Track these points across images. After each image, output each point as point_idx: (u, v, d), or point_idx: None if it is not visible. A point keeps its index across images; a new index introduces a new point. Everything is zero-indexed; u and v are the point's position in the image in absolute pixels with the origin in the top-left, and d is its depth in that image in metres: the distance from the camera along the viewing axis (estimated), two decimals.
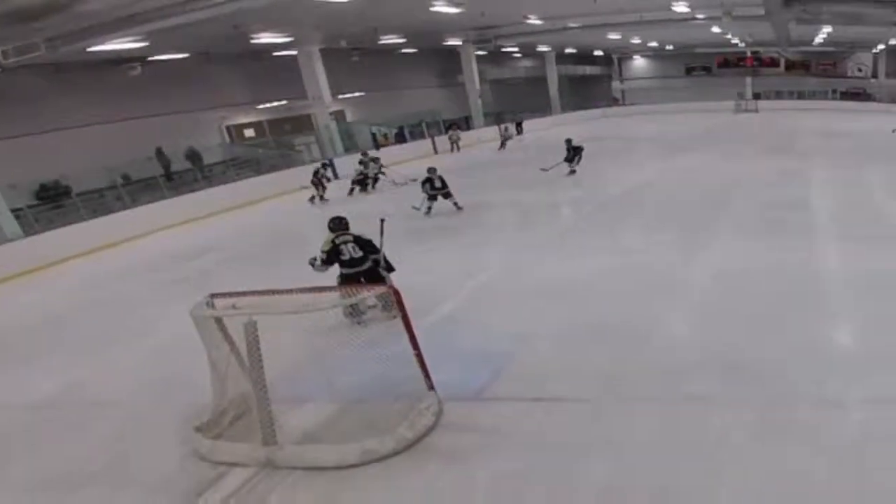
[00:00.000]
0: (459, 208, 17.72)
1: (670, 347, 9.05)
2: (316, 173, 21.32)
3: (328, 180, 21.59)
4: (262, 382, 6.61)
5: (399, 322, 7.06)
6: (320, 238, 10.55)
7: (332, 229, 9.96)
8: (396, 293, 7.05)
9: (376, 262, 9.94)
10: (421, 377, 7.37)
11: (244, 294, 6.86)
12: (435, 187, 17.49)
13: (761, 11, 24.61)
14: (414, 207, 17.60)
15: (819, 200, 18.14)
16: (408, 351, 7.16)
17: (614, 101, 56.56)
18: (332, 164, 22.28)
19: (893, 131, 23.81)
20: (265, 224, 19.42)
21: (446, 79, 41.08)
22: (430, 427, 7.02)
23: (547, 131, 38.46)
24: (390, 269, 10.13)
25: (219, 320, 6.88)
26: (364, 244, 9.87)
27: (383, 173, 22.75)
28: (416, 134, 33.01)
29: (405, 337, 7.02)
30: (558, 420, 7.25)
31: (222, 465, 6.64)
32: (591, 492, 5.88)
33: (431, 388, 7.45)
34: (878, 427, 6.74)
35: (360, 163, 23.04)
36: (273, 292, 6.74)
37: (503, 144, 32.72)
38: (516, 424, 7.17)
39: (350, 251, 9.81)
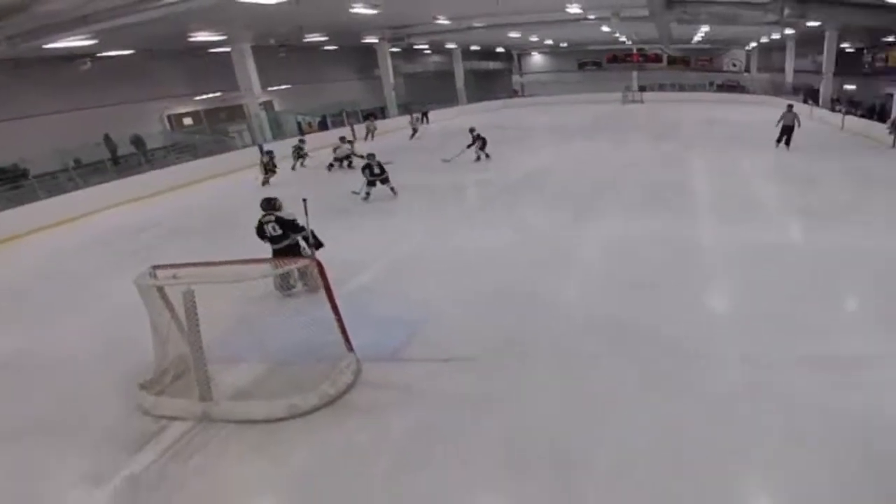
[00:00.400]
0: (395, 193, 18.41)
1: (565, 311, 9.97)
2: (270, 155, 22.44)
3: (274, 166, 22.26)
4: (199, 345, 7.11)
5: (322, 292, 7.74)
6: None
7: (261, 209, 10.74)
8: (319, 265, 7.63)
9: (306, 239, 10.23)
10: (341, 340, 8.03)
11: (183, 265, 7.39)
12: (374, 173, 18.00)
13: (646, 13, 25.77)
14: (354, 192, 18.46)
15: (698, 182, 20.04)
16: (329, 317, 7.80)
17: (514, 93, 59.26)
18: (270, 153, 22.97)
19: (777, 124, 25.12)
20: (203, 203, 20.13)
21: (364, 73, 43.22)
22: (349, 385, 7.73)
23: (452, 120, 40.23)
24: (319, 245, 10.27)
25: (160, 289, 7.42)
26: (285, 224, 10.52)
27: (354, 154, 23.60)
28: (338, 122, 34.36)
29: (327, 305, 7.67)
30: (465, 377, 8.00)
31: (163, 418, 7.28)
32: (495, 441, 6.60)
33: (351, 349, 8.13)
34: (748, 380, 7.69)
35: (335, 149, 24.38)
36: (209, 264, 7.20)
37: (414, 133, 33.83)
38: (427, 382, 7.93)
39: (271, 230, 10.55)
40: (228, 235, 14.86)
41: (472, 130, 25.01)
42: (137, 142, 27.29)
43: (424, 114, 39.78)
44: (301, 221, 10.12)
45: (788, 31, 39.63)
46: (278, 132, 31.26)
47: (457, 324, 9.52)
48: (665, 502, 5.67)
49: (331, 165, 24.21)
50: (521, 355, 8.45)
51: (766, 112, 39.68)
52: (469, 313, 9.91)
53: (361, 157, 20.16)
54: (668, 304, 9.95)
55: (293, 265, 8.46)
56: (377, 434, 6.82)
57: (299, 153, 23.74)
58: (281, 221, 10.49)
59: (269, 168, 22.12)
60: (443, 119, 41.71)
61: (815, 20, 27.31)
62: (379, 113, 38.91)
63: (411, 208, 17.54)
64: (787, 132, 24.63)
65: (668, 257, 12.28)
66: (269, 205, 10.67)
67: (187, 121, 33.99)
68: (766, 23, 27.03)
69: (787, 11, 22.88)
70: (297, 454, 6.55)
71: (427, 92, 46.13)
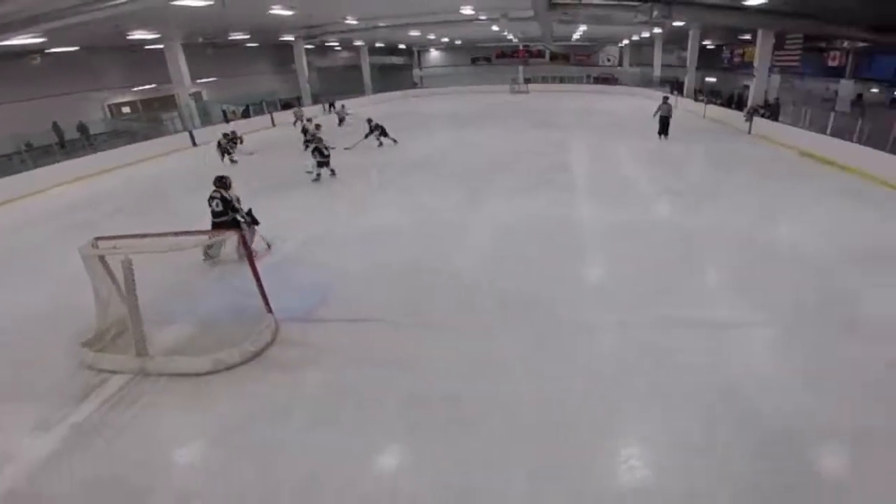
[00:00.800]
0: (334, 174, 18.66)
1: (462, 282, 10.11)
2: (228, 137, 22.76)
3: (231, 147, 22.56)
4: (136, 307, 7.28)
5: (245, 262, 8.13)
6: (180, 193, 12.22)
7: (214, 184, 10.94)
8: (242, 237, 7.99)
9: (243, 218, 10.95)
10: (262, 304, 8.26)
11: (122, 237, 7.46)
12: (324, 155, 18.33)
13: (531, 13, 26.16)
14: (307, 172, 18.66)
15: (577, 164, 20.53)
16: (252, 282, 8.04)
17: (414, 85, 59.80)
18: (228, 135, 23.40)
19: (654, 115, 25.38)
20: (139, 181, 20.34)
21: (282, 67, 43.81)
22: (268, 343, 7.92)
23: (359, 109, 39.14)
24: (255, 222, 11.28)
25: (102, 258, 7.57)
26: (226, 202, 10.76)
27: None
28: (258, 111, 35.17)
29: (249, 271, 7.93)
30: (372, 338, 8.17)
31: (104, 372, 7.44)
32: (397, 396, 6.79)
33: (270, 311, 8.35)
34: (622, 342, 7.92)
35: (304, 130, 24.86)
36: (145, 235, 7.33)
37: (341, 122, 33.80)
38: (339, 341, 8.09)
39: (214, 205, 10.71)
40: (162, 210, 15.48)
41: (369, 121, 25.61)
42: (82, 128, 27.98)
43: (331, 104, 39.95)
44: (238, 204, 11.01)
45: (657, 30, 41.24)
46: (206, 119, 31.82)
47: (365, 290, 9.83)
48: (549, 452, 5.85)
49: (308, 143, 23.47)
50: (421, 321, 8.71)
51: (637, 101, 42.68)
52: (376, 281, 10.22)
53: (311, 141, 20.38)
54: (552, 275, 10.31)
55: (217, 237, 8.44)
56: (293, 388, 7.07)
57: (227, 147, 23.01)
58: (223, 200, 10.77)
59: (227, 149, 22.56)
60: (352, 108, 40.27)
61: (680, 20, 27.67)
62: (295, 102, 39.78)
63: (328, 188, 17.75)
64: (664, 123, 25.12)
65: (551, 233, 12.70)
66: (220, 182, 10.93)
67: (126, 109, 35.38)
68: (637, 23, 27.75)
69: (655, 13, 23.74)
70: (222, 404, 6.78)
71: (337, 84, 46.82)
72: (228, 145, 22.80)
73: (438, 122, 34.47)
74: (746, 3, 22.31)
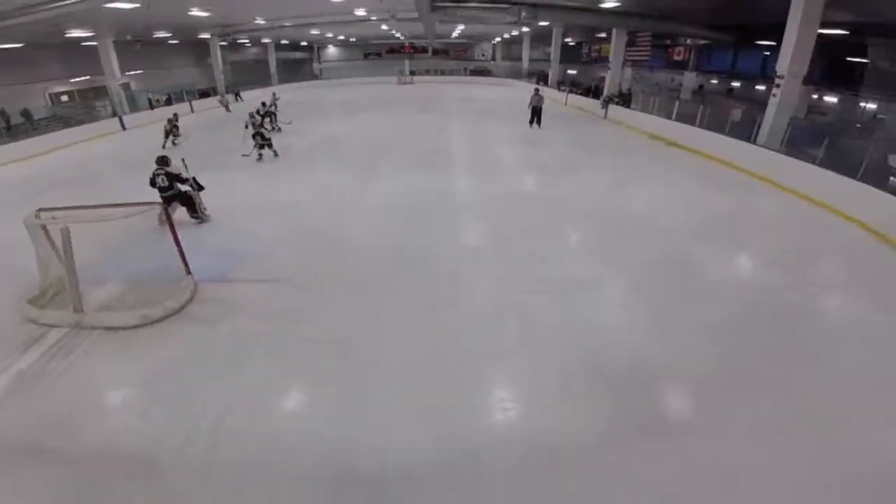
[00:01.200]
0: (277, 155, 18.12)
1: (354, 244, 10.24)
2: (171, 122, 21.75)
3: (176, 129, 21.86)
4: (73, 269, 7.42)
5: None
6: (116, 169, 12.22)
7: (156, 164, 10.96)
8: (164, 208, 7.94)
9: (191, 186, 11.25)
10: (182, 267, 8.30)
11: (61, 208, 7.54)
12: (265, 138, 17.87)
13: (416, 15, 25.56)
14: (244, 155, 18.04)
15: (457, 145, 20.31)
16: (173, 247, 8.07)
17: (314, 77, 58.03)
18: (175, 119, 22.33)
19: (528, 107, 24.43)
20: (77, 160, 19.77)
21: (199, 61, 42.46)
22: (188, 300, 7.96)
23: (266, 97, 36.09)
24: (200, 188, 11.42)
25: (43, 227, 7.61)
26: (171, 176, 10.87)
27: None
28: (179, 99, 34.01)
29: (171, 237, 7.98)
30: (278, 295, 8.23)
31: (45, 326, 7.46)
32: (299, 340, 6.97)
33: (189, 273, 8.36)
34: (496, 297, 8.04)
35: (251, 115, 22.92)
36: (81, 207, 7.40)
37: (227, 108, 33.55)
38: (249, 298, 8.14)
39: (160, 181, 10.80)
40: (95, 185, 15.10)
41: (263, 105, 24.46)
42: (26, 114, 27.90)
43: (237, 94, 39.16)
44: (185, 175, 11.19)
45: (525, 29, 41.41)
46: (134, 106, 31.16)
47: (273, 253, 9.83)
48: (432, 391, 6.02)
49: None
50: (322, 279, 8.78)
51: (508, 90, 42.69)
52: (281, 247, 10.19)
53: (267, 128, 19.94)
54: (435, 239, 10.42)
55: (144, 209, 7.82)
56: (209, 339, 7.11)
57: (173, 131, 22.01)
58: (169, 175, 10.87)
59: (172, 132, 21.93)
60: (262, 97, 37.68)
61: (545, 21, 28.30)
62: (211, 92, 39.10)
63: (240, 166, 17.33)
64: (536, 113, 24.05)
65: (435, 204, 12.72)
66: (162, 161, 10.96)
67: (64, 98, 34.09)
68: (508, 23, 28.00)
69: (523, 14, 24.23)
70: (148, 354, 6.83)
71: (248, 75, 46.11)
72: (173, 130, 22.03)
73: (335, 109, 33.88)
74: (602, 6, 22.90)
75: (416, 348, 6.81)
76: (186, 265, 8.38)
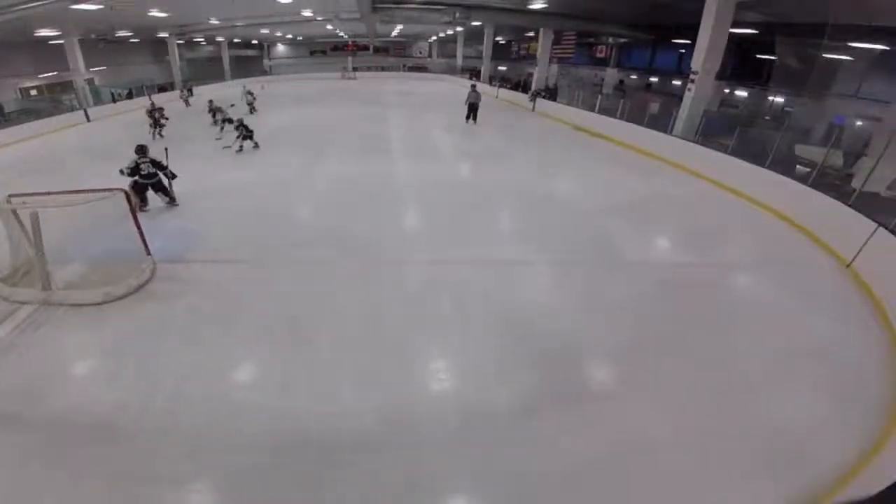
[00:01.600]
0: (256, 146, 17.47)
1: (303, 226, 10.24)
2: (151, 114, 20.50)
3: (164, 119, 20.69)
4: (41, 250, 7.46)
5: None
6: (83, 157, 12.25)
7: (136, 153, 10.75)
8: (126, 194, 7.77)
9: (166, 176, 11.11)
10: (143, 247, 8.30)
11: (31, 194, 7.56)
12: (249, 129, 17.30)
13: (358, 15, 26.04)
14: (226, 146, 17.61)
15: (396, 135, 20.26)
16: (135, 229, 8.04)
17: (264, 73, 56.19)
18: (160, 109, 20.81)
19: (465, 103, 22.39)
20: (46, 149, 19.04)
21: (158, 58, 41.17)
22: (148, 279, 7.98)
23: (222, 91, 37.98)
24: (174, 176, 11.27)
25: (14, 211, 7.67)
26: (156, 164, 10.90)
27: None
28: (140, 93, 32.58)
29: (132, 220, 7.93)
30: (231, 274, 8.19)
31: (16, 303, 7.47)
32: (249, 319, 6.91)
33: (149, 253, 8.36)
34: (431, 275, 8.06)
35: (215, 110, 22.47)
36: (49, 193, 7.37)
37: (187, 103, 31.81)
38: (204, 277, 8.12)
39: (147, 168, 10.77)
40: (62, 173, 14.56)
41: (216, 108, 22.98)
42: None
43: (189, 89, 36.02)
44: (165, 163, 11.04)
45: (459, 29, 41.16)
46: (97, 100, 30.40)
47: (226, 236, 9.73)
48: (374, 363, 6.04)
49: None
50: (271, 259, 8.75)
51: (444, 85, 42.92)
52: (233, 226, 10.15)
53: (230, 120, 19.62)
54: (376, 221, 10.37)
55: (106, 195, 7.54)
56: (168, 315, 7.12)
57: (157, 121, 20.58)
58: (154, 162, 10.83)
59: (159, 122, 20.68)
60: (214, 92, 37.42)
61: (478, 21, 28.71)
62: (169, 87, 37.67)
63: (201, 154, 16.88)
64: (473, 109, 22.23)
65: (375, 187, 12.80)
66: (143, 150, 10.81)
67: (34, 92, 33.34)
68: (443, 22, 28.25)
69: (457, 15, 24.30)
70: (110, 328, 6.84)
71: (203, 71, 44.87)
72: (160, 119, 20.74)
73: (285, 101, 33.29)
74: (530, 7, 23.06)
75: (358, 324, 6.80)
76: (146, 246, 8.34)
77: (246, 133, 17.43)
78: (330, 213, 11.04)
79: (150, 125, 20.52)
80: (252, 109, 26.60)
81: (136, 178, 10.78)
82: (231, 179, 13.71)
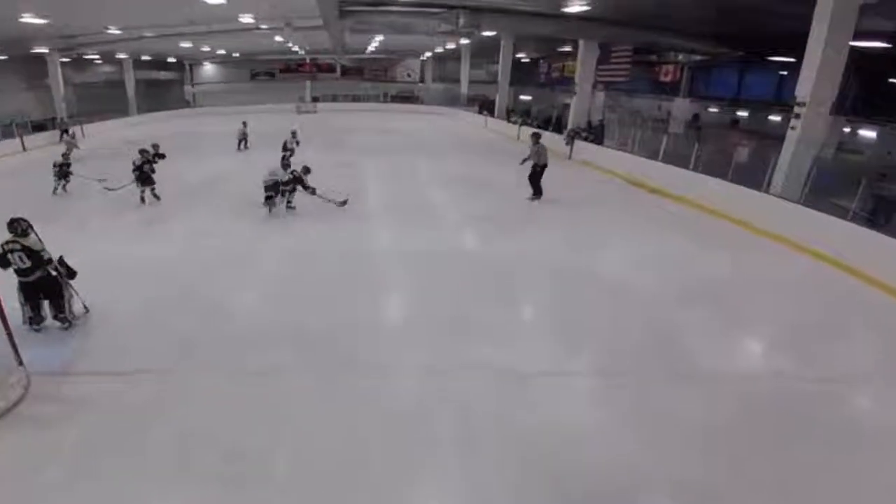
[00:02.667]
0: (157, 198, 18.22)
1: (244, 318, 10.23)
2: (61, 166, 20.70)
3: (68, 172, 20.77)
4: None
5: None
6: None
7: (9, 230, 9.41)
8: None
9: (56, 269, 9.69)
10: (11, 354, 8.02)
11: None
12: (148, 174, 17.83)
13: (319, 22, 26.26)
14: (108, 189, 18.50)
15: (374, 190, 20.99)
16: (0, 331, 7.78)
17: (187, 104, 58.53)
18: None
19: (522, 162, 19.33)
20: None
21: (33, 82, 41.83)
22: (18, 399, 7.82)
23: (124, 130, 39.61)
24: (71, 274, 9.96)
25: None
26: (32, 254, 9.33)
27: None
28: (8, 133, 32.78)
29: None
30: (139, 388, 8.10)
31: None
32: (165, 452, 6.76)
33: (20, 363, 8.13)
34: (424, 389, 8.11)
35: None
36: None
37: (76, 146, 30.26)
38: (100, 393, 8.02)
39: (17, 260, 9.35)
40: None
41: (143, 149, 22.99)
42: None
43: (64, 131, 36.49)
44: (47, 252, 9.52)
45: (464, 42, 41.86)
46: None
47: (131, 333, 9.63)
48: None
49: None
50: (196, 364, 8.71)
51: (444, 121, 43.92)
52: (144, 322, 10.05)
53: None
54: (347, 312, 10.46)
55: None
56: (46, 447, 6.92)
57: (64, 171, 20.82)
58: (28, 252, 9.30)
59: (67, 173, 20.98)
60: (110, 130, 40.67)
61: (490, 30, 28.95)
62: (50, 124, 37.70)
63: (95, 216, 17.22)
64: (536, 177, 19.37)
65: (348, 264, 13.03)
66: (15, 228, 9.36)
67: None
68: (442, 32, 28.56)
69: (461, 21, 24.26)
70: None
71: (99, 102, 45.64)
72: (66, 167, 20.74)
73: (214, 144, 34.30)
74: (566, 10, 22.43)
75: (320, 458, 6.67)
76: (17, 353, 8.03)
77: (143, 179, 17.99)
78: (283, 301, 11.07)
79: (56, 174, 20.65)
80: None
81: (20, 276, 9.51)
82: (145, 254, 13.70)
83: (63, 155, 21.16)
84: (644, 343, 9.43)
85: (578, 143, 27.94)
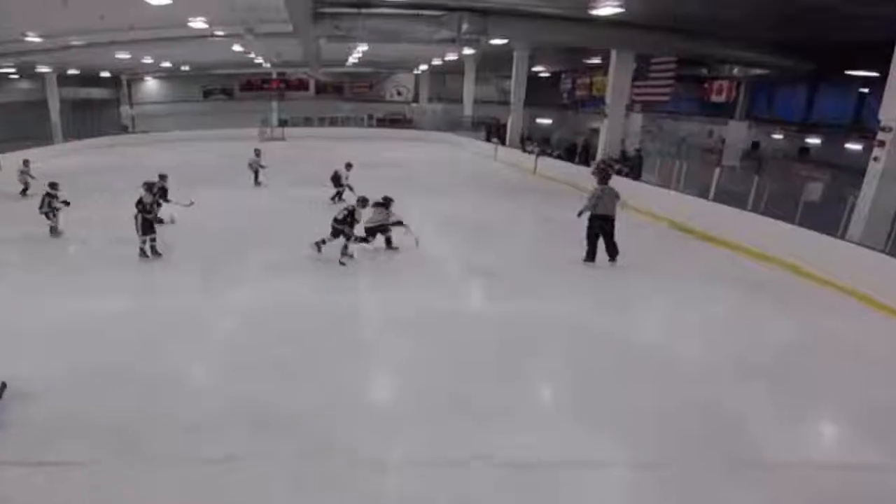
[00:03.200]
0: (55, 233, 19.11)
1: (193, 397, 10.31)
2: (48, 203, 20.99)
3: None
4: None
5: None
6: None
7: None
8: None
9: None
10: None
11: None
12: (53, 206, 18.65)
13: (288, 28, 26.17)
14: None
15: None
16: None
17: (125, 129, 58.96)
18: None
19: (579, 214, 17.18)
20: None
21: None
22: None
23: (45, 162, 37.23)
24: None
25: None
26: None
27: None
28: None
29: None
30: (63, 487, 7.97)
31: None
32: None
33: None
34: (416, 486, 8.14)
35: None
36: None
37: (26, 187, 30.45)
38: (17, 491, 7.87)
39: None
40: None
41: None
42: None
43: None
44: None
45: (468, 51, 41.33)
46: None
47: (55, 413, 9.47)
48: None
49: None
50: (135, 453, 8.58)
51: (438, 150, 44.32)
52: (71, 398, 9.89)
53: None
54: (322, 388, 10.38)
55: None
56: None
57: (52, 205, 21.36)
58: None
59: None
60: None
61: (501, 37, 28.34)
62: None
63: (12, 262, 17.71)
64: (607, 231, 16.86)
65: (321, 328, 12.90)
66: None
67: None
68: (440, 40, 28.11)
69: (465, 26, 24.26)
70: None
71: (15, 126, 46.07)
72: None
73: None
74: (594, 12, 21.72)
75: None
76: None
77: (50, 210, 18.92)
78: (241, 368, 11.05)
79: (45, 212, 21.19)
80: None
81: None
82: (71, 310, 13.62)
83: None
84: (693, 426, 9.41)
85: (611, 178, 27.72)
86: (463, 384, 10.45)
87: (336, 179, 26.11)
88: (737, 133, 35.38)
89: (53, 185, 20.29)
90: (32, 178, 30.29)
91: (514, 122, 40.90)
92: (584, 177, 27.06)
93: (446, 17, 24.17)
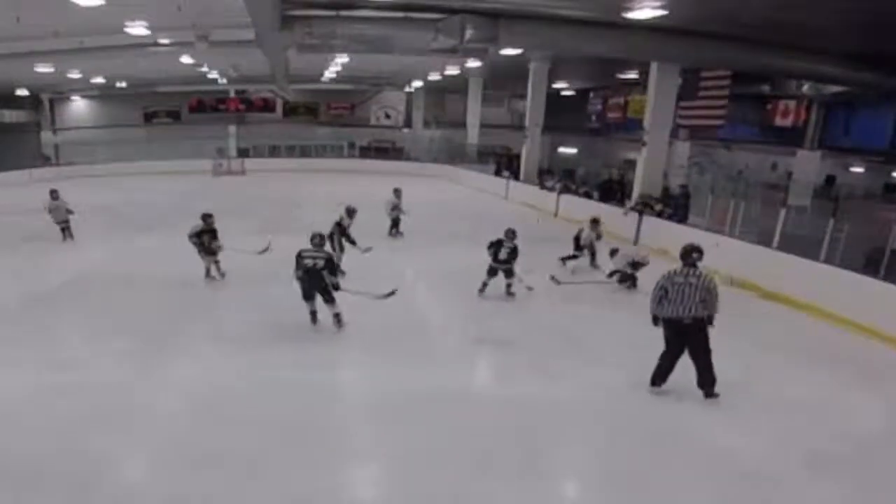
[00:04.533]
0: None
1: (125, 500, 10.21)
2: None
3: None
4: None
5: None
6: None
7: None
8: None
9: None
10: None
11: None
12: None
13: (250, 35, 26.16)
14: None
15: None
16: None
17: (46, 160, 58.82)
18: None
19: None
20: None
21: None
22: None
23: None
24: None
25: None
26: None
27: None
28: None
29: None
30: None
31: None
32: None
33: None
34: None
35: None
36: None
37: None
38: None
39: None
40: None
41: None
42: None
43: None
44: None
45: (472, 64, 41.38)
46: None
47: None
48: None
49: None
50: None
51: (436, 187, 45.18)
52: None
53: None
54: (291, 490, 10.24)
55: None
56: None
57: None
58: None
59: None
60: None
61: (514, 46, 28.27)
62: None
63: None
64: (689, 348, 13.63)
65: (282, 411, 12.84)
66: None
67: None
68: (438, 50, 27.82)
69: (469, 32, 22.95)
70: None
71: None
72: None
73: (92, 224, 33.08)
74: (629, 16, 21.76)
75: None
76: None
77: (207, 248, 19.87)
78: (185, 465, 10.82)
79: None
80: None
81: None
82: None
83: None
84: None
85: (649, 220, 28.23)
86: (464, 484, 10.38)
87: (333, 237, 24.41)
88: (807, 165, 35.37)
89: None
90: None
91: (529, 151, 41.01)
92: (613, 216, 28.60)
93: (445, 22, 23.20)
